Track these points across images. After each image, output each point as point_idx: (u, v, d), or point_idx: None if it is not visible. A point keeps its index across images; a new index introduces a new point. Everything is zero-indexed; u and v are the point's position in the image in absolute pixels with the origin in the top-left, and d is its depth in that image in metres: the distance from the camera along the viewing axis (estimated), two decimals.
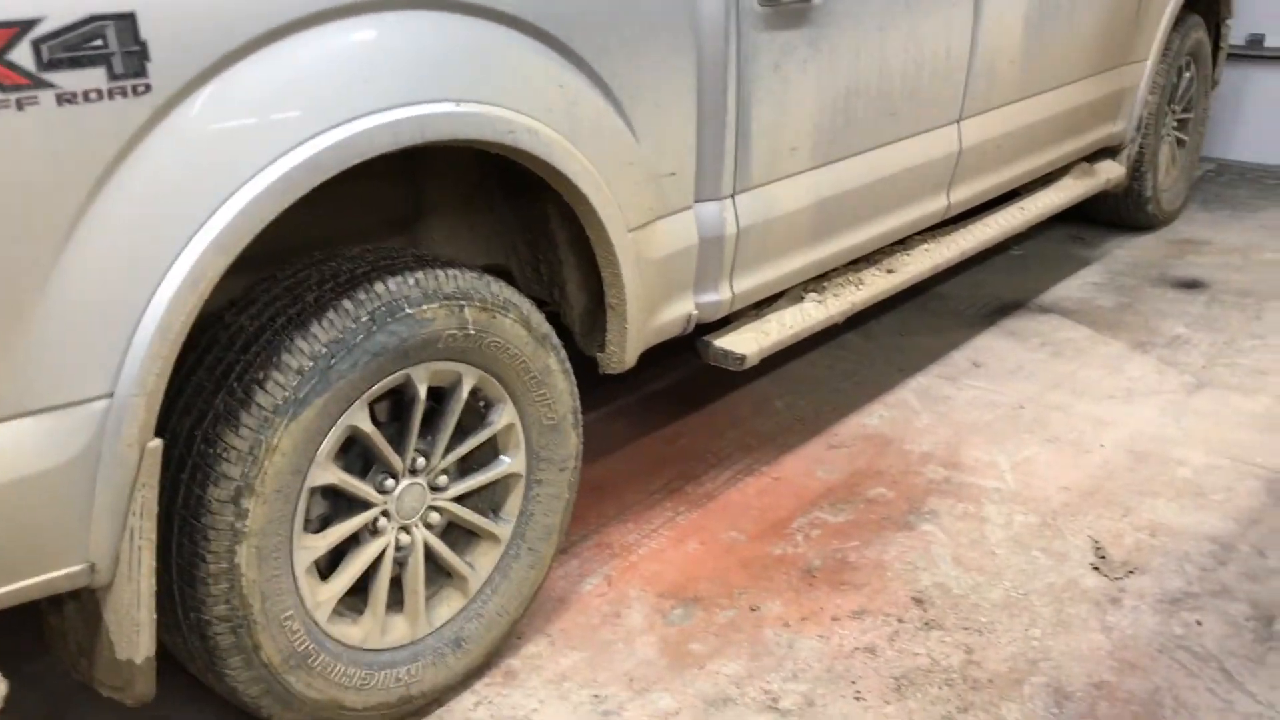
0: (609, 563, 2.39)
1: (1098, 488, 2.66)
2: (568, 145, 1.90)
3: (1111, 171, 3.90)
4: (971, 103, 2.98)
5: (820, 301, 2.69)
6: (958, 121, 2.96)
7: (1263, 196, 4.94)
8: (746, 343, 2.47)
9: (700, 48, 2.14)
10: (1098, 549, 2.41)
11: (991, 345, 3.44)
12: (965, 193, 3.09)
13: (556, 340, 2.02)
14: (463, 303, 1.81)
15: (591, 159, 1.96)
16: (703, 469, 2.76)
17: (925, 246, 3.06)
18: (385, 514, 1.86)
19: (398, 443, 1.85)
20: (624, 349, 2.18)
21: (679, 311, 2.31)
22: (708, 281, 2.35)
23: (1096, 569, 2.35)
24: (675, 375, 3.24)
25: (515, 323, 1.90)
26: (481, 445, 1.98)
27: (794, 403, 3.10)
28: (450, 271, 1.82)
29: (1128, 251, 4.25)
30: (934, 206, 2.99)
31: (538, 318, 1.96)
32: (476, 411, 1.97)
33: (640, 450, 2.85)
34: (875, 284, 2.83)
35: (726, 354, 2.44)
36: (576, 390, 2.08)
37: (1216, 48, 4.65)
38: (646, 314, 2.21)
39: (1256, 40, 5.31)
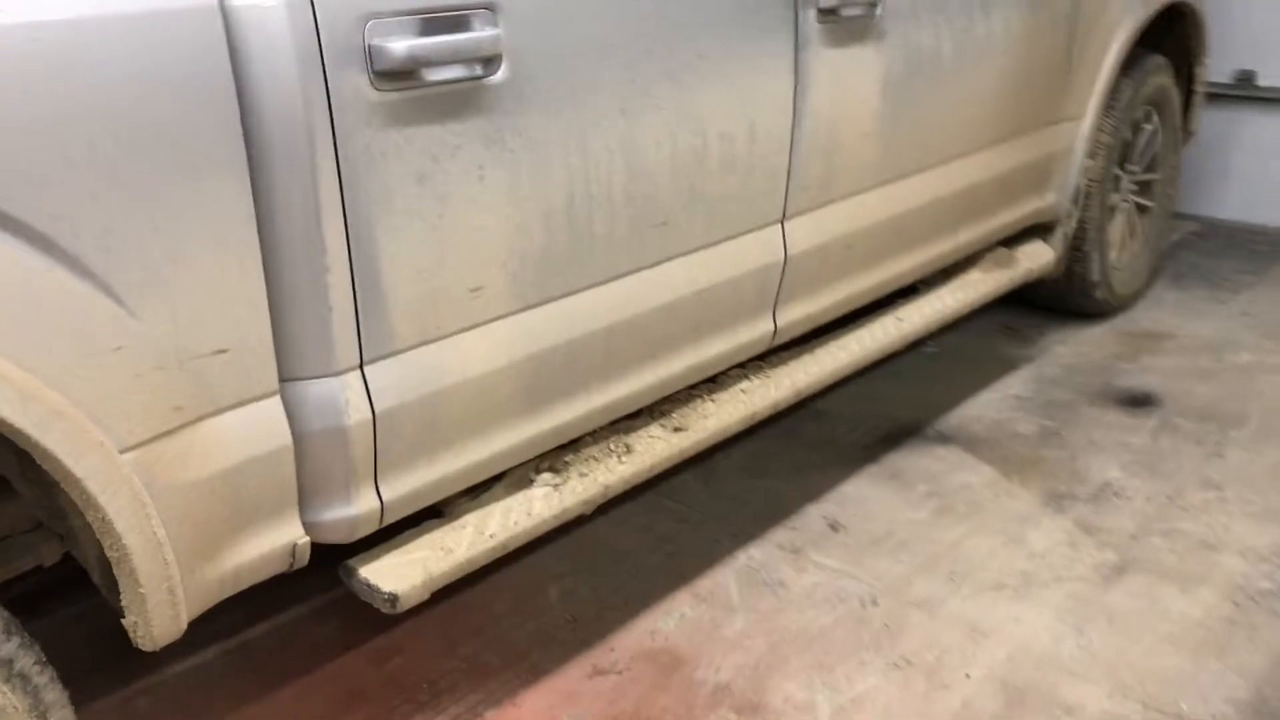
0: None
1: None
2: None
3: (1037, 258, 3.10)
4: (801, 195, 2.21)
5: (556, 485, 1.93)
6: (780, 221, 2.19)
7: (1251, 269, 4.09)
8: (409, 571, 1.71)
9: (259, 162, 1.39)
10: None
11: (863, 495, 2.65)
12: (800, 312, 2.31)
13: None
14: None
15: (14, 353, 1.22)
16: (406, 712, 2.00)
17: (742, 386, 2.29)
18: None
19: None
20: (147, 616, 1.42)
21: (271, 543, 1.55)
22: (330, 491, 1.60)
23: None
24: None
25: None
26: None
27: (575, 589, 2.33)
28: None
29: (1069, 349, 3.44)
30: (750, 335, 2.22)
31: None
32: None
33: (333, 677, 2.09)
34: (650, 451, 2.05)
35: (372, 590, 1.68)
36: None
37: (1190, 92, 3.84)
38: (193, 559, 1.46)
39: (1247, 78, 4.48)
